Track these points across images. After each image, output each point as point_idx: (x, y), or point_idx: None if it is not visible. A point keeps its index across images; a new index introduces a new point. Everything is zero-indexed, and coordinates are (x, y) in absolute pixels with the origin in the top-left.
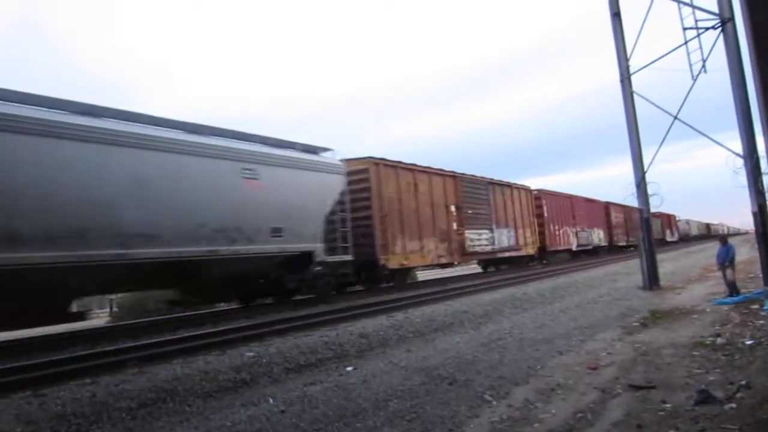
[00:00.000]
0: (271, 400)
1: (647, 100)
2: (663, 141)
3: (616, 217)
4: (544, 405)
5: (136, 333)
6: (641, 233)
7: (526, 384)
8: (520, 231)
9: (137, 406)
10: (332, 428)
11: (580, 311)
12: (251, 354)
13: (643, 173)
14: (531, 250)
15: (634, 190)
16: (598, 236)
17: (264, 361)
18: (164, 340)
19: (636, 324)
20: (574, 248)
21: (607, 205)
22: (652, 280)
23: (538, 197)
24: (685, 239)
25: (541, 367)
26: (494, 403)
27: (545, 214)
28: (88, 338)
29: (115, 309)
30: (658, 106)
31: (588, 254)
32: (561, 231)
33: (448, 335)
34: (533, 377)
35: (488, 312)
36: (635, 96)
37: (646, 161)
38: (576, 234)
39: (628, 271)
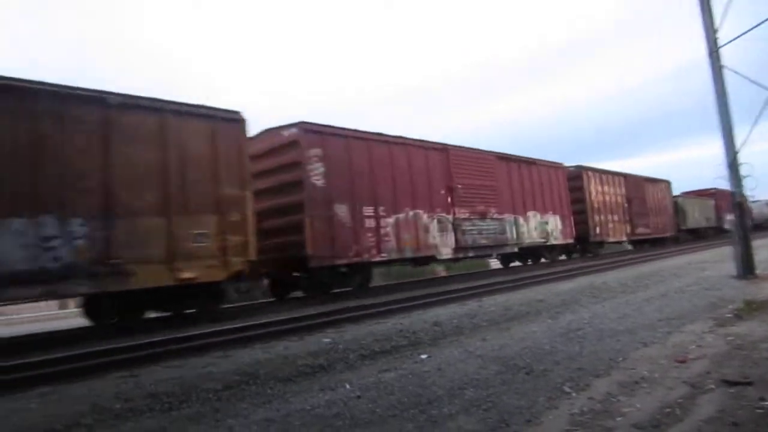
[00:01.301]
0: (347, 386)
1: (739, 74)
2: (758, 117)
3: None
4: (627, 398)
5: (219, 318)
6: (734, 218)
7: (608, 376)
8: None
9: (222, 388)
10: (407, 414)
11: (666, 301)
12: (327, 340)
13: (735, 153)
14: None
15: (725, 171)
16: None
17: (340, 347)
18: (246, 326)
19: (729, 315)
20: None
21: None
22: (746, 268)
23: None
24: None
25: (624, 359)
26: (574, 394)
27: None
28: (176, 324)
29: None
30: (752, 80)
31: (651, 244)
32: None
33: (524, 324)
34: (615, 369)
35: (566, 301)
36: (725, 71)
37: (738, 141)
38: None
39: (717, 258)
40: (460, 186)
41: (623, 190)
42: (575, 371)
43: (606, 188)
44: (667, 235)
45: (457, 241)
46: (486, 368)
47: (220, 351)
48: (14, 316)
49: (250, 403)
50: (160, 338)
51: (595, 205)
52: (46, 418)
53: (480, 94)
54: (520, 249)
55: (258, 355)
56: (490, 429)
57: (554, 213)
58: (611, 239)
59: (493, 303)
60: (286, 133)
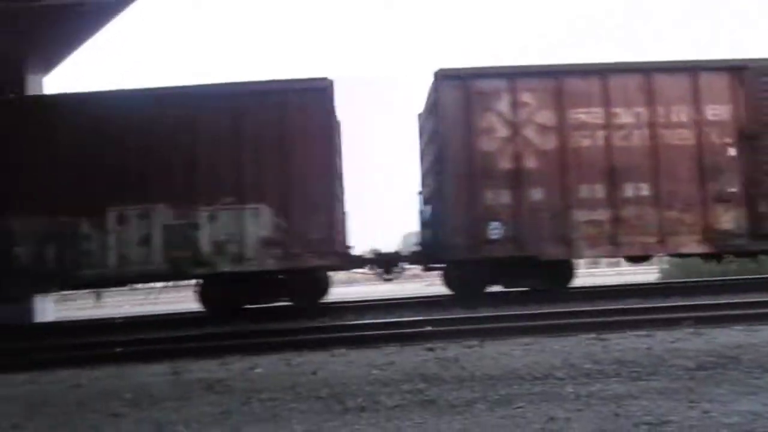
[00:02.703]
0: None
1: None
2: None
3: None
4: None
5: (689, 291)
6: None
7: None
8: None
9: (695, 367)
10: None
11: None
12: None
13: None
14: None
15: None
16: None
17: None
18: (721, 303)
19: None
20: None
21: None
22: None
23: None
24: None
25: None
26: None
27: None
28: (641, 292)
29: (665, 266)
30: None
31: None
32: None
33: None
34: None
35: None
36: None
37: None
38: None
39: None
40: None
41: None
42: None
43: None
44: None
45: None
46: None
47: (691, 328)
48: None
49: (728, 389)
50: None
51: None
52: (525, 366)
53: None
54: None
55: (739, 338)
56: None
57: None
58: None
59: None
60: None
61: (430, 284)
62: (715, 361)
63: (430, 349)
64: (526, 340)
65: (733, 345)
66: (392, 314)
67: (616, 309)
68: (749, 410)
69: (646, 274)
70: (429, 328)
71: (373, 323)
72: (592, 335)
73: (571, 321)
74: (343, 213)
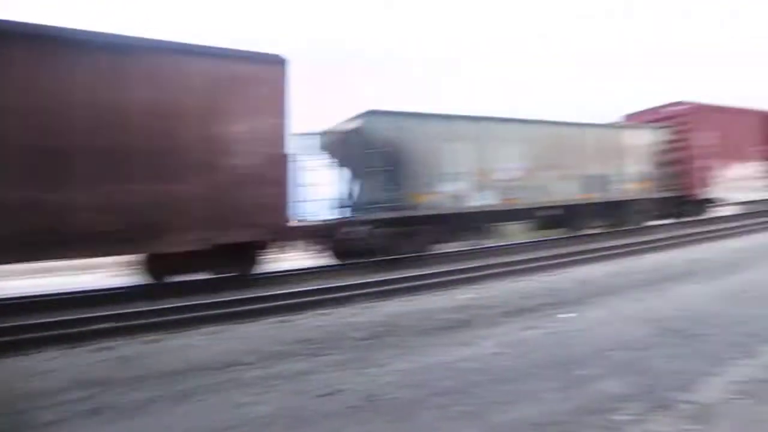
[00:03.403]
0: (487, 342)
1: None
2: None
3: None
4: None
5: (361, 272)
6: None
7: None
8: None
9: (366, 337)
10: (549, 373)
11: None
12: (469, 296)
13: None
14: None
15: None
16: None
17: (481, 303)
18: (389, 279)
19: None
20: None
21: None
22: None
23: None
24: None
25: None
26: (736, 361)
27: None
28: (322, 273)
29: None
30: None
31: None
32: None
33: (682, 285)
34: None
35: (732, 261)
36: None
37: None
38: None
39: None
40: None
41: None
42: (740, 336)
43: None
44: None
45: None
46: (636, 330)
47: (365, 302)
48: None
49: (389, 354)
50: (309, 288)
51: None
52: (211, 355)
53: None
54: None
55: (400, 308)
56: (640, 393)
57: None
58: None
59: (652, 261)
60: None
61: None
62: (381, 330)
63: (107, 348)
64: (212, 328)
65: (395, 314)
66: (58, 312)
67: (301, 291)
68: (403, 368)
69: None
70: (104, 325)
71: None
72: (279, 318)
73: (258, 306)
74: None
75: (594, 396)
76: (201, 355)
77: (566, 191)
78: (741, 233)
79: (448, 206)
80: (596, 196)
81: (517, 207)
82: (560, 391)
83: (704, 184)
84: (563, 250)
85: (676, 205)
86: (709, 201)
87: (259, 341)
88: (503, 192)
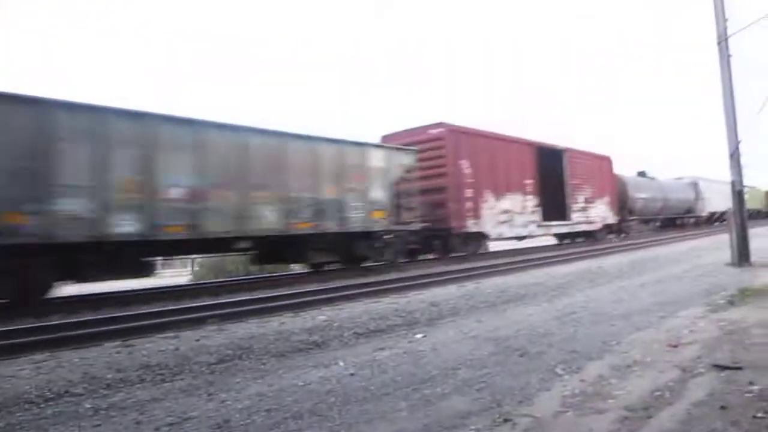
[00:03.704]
0: (341, 363)
1: None
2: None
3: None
4: (619, 381)
5: (217, 291)
6: (733, 206)
7: (601, 359)
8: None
9: (216, 361)
10: (401, 393)
11: (661, 287)
12: (323, 317)
13: (738, 142)
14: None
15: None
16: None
17: (335, 324)
18: (242, 300)
19: (722, 302)
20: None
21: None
22: (742, 256)
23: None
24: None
25: (617, 343)
26: (567, 377)
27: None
28: (172, 294)
29: (196, 268)
30: None
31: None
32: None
33: (520, 307)
34: (608, 353)
35: (562, 285)
36: (732, 60)
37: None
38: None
39: (717, 246)
40: None
41: None
42: (569, 354)
43: None
44: None
45: None
46: (480, 349)
47: (215, 325)
48: None
49: (243, 378)
50: (153, 310)
51: None
52: (36, 387)
53: None
54: None
55: (253, 330)
56: (483, 409)
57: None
58: None
59: (491, 285)
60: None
61: None
62: (233, 353)
63: None
64: (39, 357)
65: (248, 336)
66: None
67: (145, 313)
68: (257, 392)
69: (181, 276)
70: None
71: None
72: (118, 342)
73: (95, 330)
74: None
75: (443, 413)
76: (22, 386)
77: (273, 219)
78: (568, 261)
79: (71, 233)
80: (326, 225)
81: (205, 236)
82: (411, 410)
83: (468, 216)
84: (413, 273)
85: (438, 238)
86: (482, 235)
87: (93, 369)
88: (172, 216)
